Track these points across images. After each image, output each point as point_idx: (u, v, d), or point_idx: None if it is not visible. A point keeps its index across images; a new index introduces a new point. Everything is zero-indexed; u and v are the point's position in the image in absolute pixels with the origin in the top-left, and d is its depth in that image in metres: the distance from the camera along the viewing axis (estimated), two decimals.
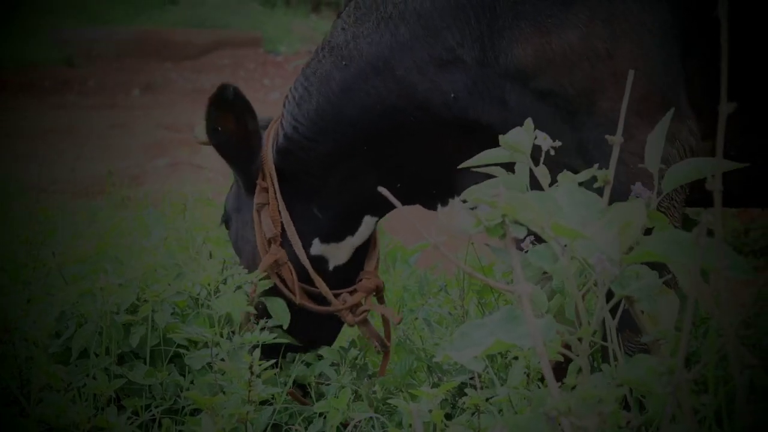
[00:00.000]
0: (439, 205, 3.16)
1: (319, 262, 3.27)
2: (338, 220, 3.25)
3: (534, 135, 2.10)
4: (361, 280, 3.34)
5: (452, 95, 2.90)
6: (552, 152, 2.09)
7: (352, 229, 3.27)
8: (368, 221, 3.27)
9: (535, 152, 2.15)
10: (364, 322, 3.33)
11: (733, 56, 1.61)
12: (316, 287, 3.25)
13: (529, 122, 2.12)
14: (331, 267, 3.31)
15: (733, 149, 2.47)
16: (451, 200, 3.15)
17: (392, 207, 3.26)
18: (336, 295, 3.28)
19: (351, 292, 3.31)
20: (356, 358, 3.37)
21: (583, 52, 2.72)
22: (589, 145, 2.73)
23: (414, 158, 3.09)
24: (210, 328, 2.92)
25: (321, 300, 3.28)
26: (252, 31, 17.24)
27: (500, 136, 2.13)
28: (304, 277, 3.25)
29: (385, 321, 3.39)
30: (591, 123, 2.74)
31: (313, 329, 3.32)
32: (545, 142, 2.06)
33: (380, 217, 3.30)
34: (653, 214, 2.00)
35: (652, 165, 2.06)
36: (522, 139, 2.10)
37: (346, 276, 3.34)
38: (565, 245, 1.72)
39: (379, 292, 3.38)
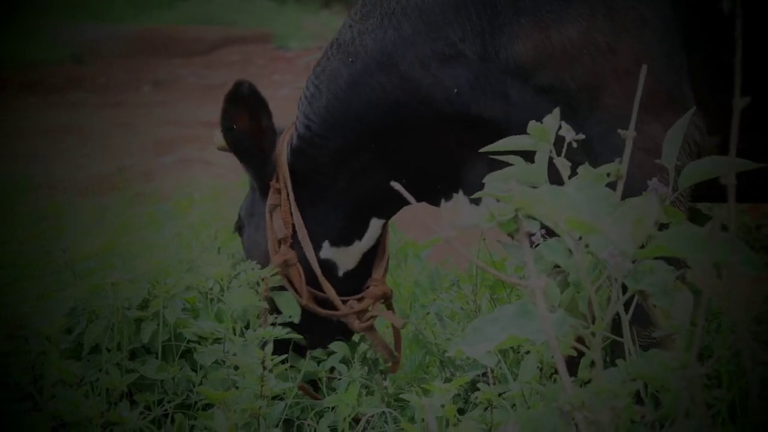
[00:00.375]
0: (443, 201, 3.17)
1: (328, 267, 3.28)
2: (347, 221, 3.26)
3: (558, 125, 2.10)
4: (368, 287, 3.35)
5: (455, 90, 2.91)
6: (574, 144, 2.08)
7: (360, 233, 3.28)
8: (375, 224, 3.28)
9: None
10: (371, 329, 3.33)
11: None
12: (324, 292, 3.26)
13: (556, 111, 2.12)
14: (341, 273, 3.32)
15: (740, 143, 2.46)
16: (455, 195, 3.16)
17: (397, 208, 3.28)
18: (343, 301, 3.29)
19: (359, 299, 3.32)
20: (366, 353, 3.38)
21: (583, 47, 2.72)
22: (593, 141, 2.72)
23: (419, 153, 3.09)
24: (221, 323, 2.92)
25: (328, 305, 3.28)
26: (261, 28, 17.23)
27: (530, 122, 2.13)
28: (312, 280, 3.26)
29: (396, 331, 3.38)
30: (594, 119, 2.74)
31: (318, 334, 3.32)
32: (569, 133, 2.06)
33: (386, 219, 3.31)
34: (669, 209, 2.00)
35: (669, 161, 2.06)
36: (548, 127, 2.10)
37: (355, 283, 3.34)
38: (580, 237, 1.72)
39: (387, 300, 3.38)
